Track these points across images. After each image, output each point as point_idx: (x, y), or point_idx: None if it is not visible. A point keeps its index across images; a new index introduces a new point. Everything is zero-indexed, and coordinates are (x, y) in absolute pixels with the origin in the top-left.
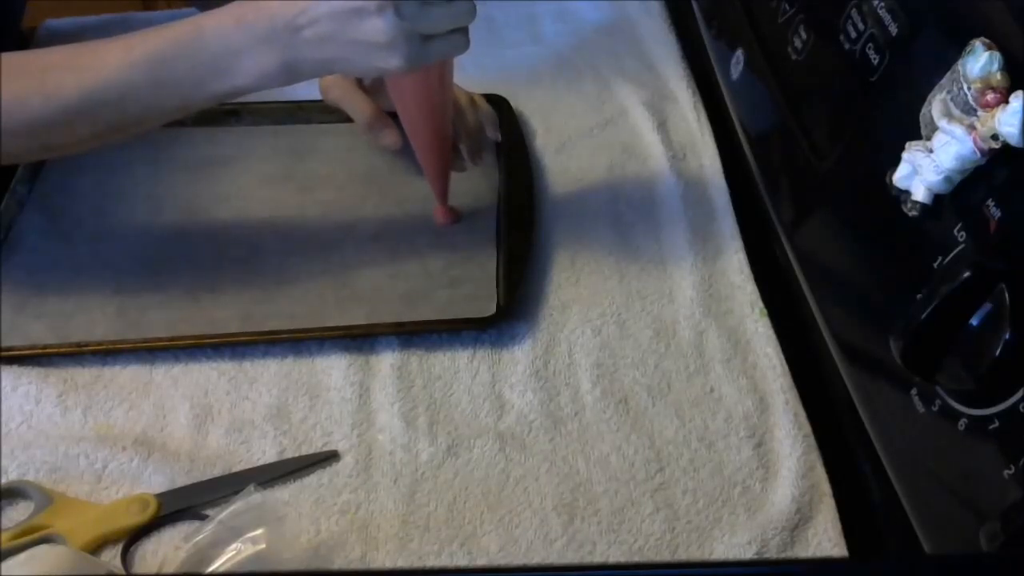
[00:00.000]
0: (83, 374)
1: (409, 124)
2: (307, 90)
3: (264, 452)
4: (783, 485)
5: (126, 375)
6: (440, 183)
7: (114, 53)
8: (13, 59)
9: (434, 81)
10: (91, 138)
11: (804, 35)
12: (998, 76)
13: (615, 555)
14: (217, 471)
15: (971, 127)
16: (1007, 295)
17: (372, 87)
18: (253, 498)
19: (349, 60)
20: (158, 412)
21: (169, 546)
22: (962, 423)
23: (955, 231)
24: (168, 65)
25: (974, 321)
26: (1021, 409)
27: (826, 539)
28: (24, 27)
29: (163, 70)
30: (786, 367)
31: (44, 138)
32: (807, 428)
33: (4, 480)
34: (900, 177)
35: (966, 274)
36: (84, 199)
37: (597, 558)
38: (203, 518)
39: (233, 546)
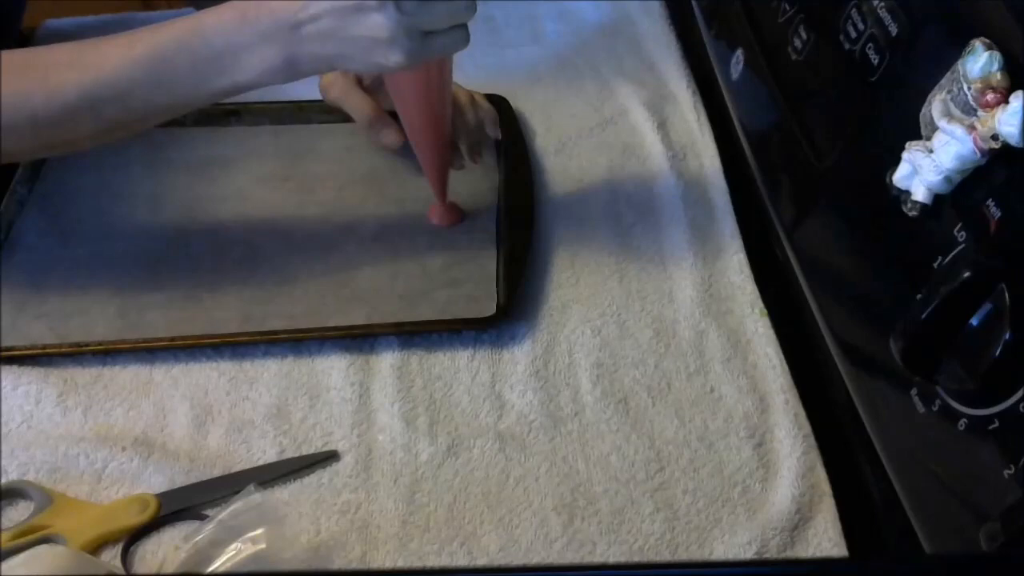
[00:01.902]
0: (83, 374)
1: (409, 122)
2: (307, 90)
3: (264, 452)
4: (783, 485)
5: (126, 375)
6: (439, 181)
7: (116, 50)
8: (16, 56)
9: (434, 78)
10: (94, 135)
11: (804, 35)
12: (998, 76)
13: (615, 555)
14: (217, 471)
15: (971, 127)
16: (1007, 295)
17: (372, 86)
18: (253, 498)
19: (350, 56)
20: (158, 412)
21: (169, 546)
22: (962, 423)
23: (955, 231)
24: (169, 62)
25: (974, 321)
26: (1021, 409)
27: (826, 539)
28: (24, 27)
29: (164, 67)
30: (786, 367)
31: (47, 135)
32: (807, 428)
33: (4, 480)
34: (900, 177)
35: (966, 274)
36: (84, 199)
37: (597, 558)
38: (203, 518)
39: (233, 546)
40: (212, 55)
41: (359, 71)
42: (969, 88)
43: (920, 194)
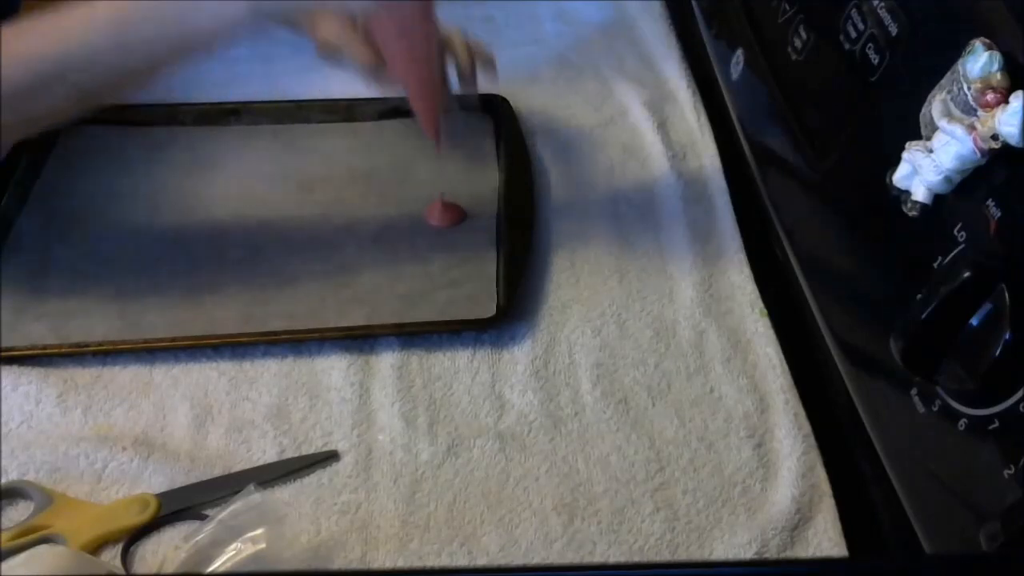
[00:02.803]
0: (83, 374)
1: (397, 64)
2: (307, 90)
3: (264, 452)
4: (783, 485)
5: (126, 375)
6: (433, 122)
7: (79, 16)
8: None
9: (416, 16)
10: (67, 105)
11: (804, 35)
12: (998, 76)
13: (615, 555)
14: (217, 471)
15: (971, 127)
16: (1007, 295)
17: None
18: (253, 498)
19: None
20: (158, 412)
21: (169, 546)
22: (962, 423)
23: (955, 231)
24: (131, 24)
25: (974, 321)
26: (1021, 409)
27: (826, 539)
28: None
29: (127, 28)
30: (786, 367)
31: (21, 108)
32: (807, 428)
33: (4, 480)
34: (900, 177)
35: (966, 274)
36: (84, 199)
37: (597, 558)
38: (203, 518)
39: (233, 546)
40: (174, 13)
41: (329, 11)
42: (969, 88)
43: (920, 194)
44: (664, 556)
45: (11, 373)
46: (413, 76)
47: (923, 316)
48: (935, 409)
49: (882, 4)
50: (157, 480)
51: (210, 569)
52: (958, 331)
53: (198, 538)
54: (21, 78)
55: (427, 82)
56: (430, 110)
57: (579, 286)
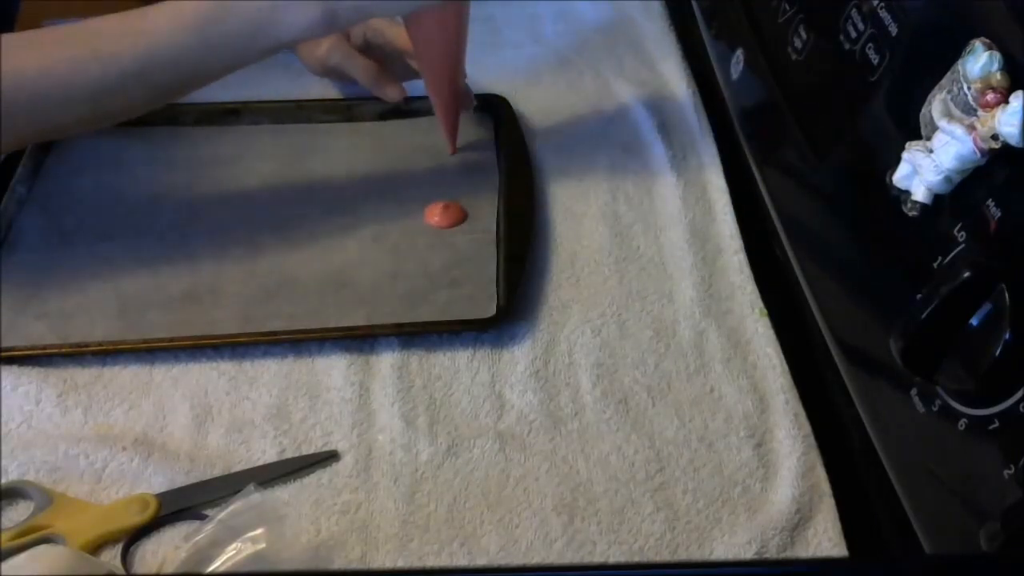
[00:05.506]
0: (83, 374)
1: (428, 65)
2: (307, 90)
3: (264, 452)
4: (783, 485)
5: (126, 375)
6: (453, 123)
7: (165, 16)
8: (60, 30)
9: (455, 18)
10: (145, 103)
11: (804, 35)
12: (998, 76)
13: (615, 555)
14: (217, 471)
15: (971, 127)
16: (1007, 295)
17: (362, 48)
18: (253, 498)
19: (388, 2)
20: (158, 412)
21: (169, 546)
22: (962, 423)
23: (955, 231)
24: (218, 26)
25: (974, 321)
26: (1021, 409)
27: (826, 539)
28: (23, 28)
29: (213, 31)
30: (786, 367)
31: (101, 105)
32: (807, 428)
33: (4, 480)
34: (900, 177)
35: (966, 274)
36: (84, 199)
37: (597, 558)
38: (203, 518)
39: (233, 546)
40: (257, 16)
41: (398, 14)
42: (969, 88)
43: (920, 194)
44: (664, 556)
45: (11, 373)
46: (444, 73)
47: (923, 316)
48: (935, 409)
49: (882, 4)
50: (157, 480)
51: (210, 569)
52: (958, 331)
53: (198, 538)
54: (101, 76)
55: (456, 79)
56: (453, 106)
57: (579, 286)
